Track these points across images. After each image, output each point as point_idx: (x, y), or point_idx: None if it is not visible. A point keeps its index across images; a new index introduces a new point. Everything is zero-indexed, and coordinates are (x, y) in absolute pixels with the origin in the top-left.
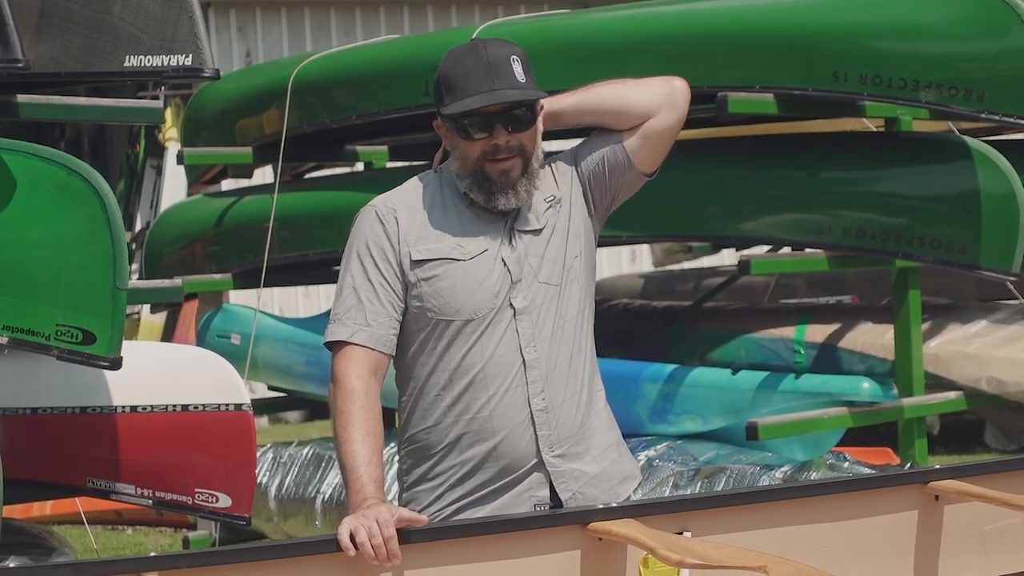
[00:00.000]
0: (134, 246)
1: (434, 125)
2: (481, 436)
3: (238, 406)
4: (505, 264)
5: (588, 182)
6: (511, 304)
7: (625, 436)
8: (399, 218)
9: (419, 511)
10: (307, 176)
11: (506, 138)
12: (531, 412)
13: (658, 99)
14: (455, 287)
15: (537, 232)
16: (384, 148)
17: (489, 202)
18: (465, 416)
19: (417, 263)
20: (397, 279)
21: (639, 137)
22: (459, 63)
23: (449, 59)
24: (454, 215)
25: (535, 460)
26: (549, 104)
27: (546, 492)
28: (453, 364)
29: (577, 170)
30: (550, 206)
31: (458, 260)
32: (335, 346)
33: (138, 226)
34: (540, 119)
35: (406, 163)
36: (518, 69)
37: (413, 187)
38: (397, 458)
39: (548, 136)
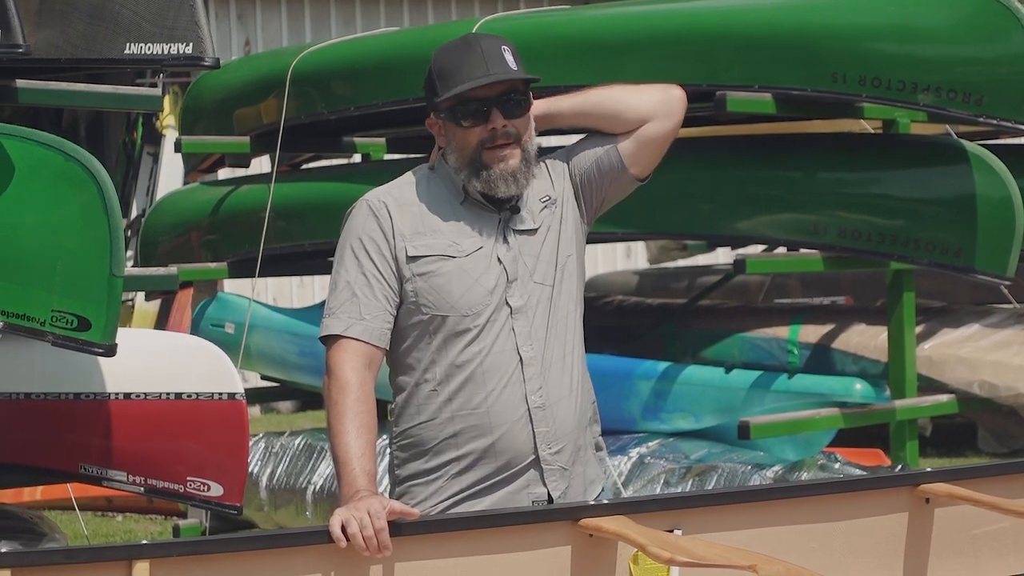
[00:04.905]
0: (129, 233)
1: (427, 124)
2: (480, 431)
3: (231, 395)
4: (501, 262)
5: (580, 183)
6: (507, 303)
7: (617, 433)
8: (392, 212)
9: (414, 505)
10: (304, 167)
11: (503, 123)
12: (528, 409)
13: (654, 105)
14: (451, 283)
15: (532, 232)
16: (382, 140)
17: (489, 190)
18: (463, 411)
19: (413, 259)
20: (392, 273)
21: (633, 142)
22: (451, 55)
23: (440, 53)
24: (449, 212)
25: (532, 457)
26: (547, 105)
27: (543, 489)
28: (449, 359)
29: (570, 170)
30: (545, 206)
31: (454, 257)
32: (330, 340)
33: (134, 213)
34: (531, 110)
35: (403, 155)
36: (510, 58)
37: (407, 182)
38: (389, 452)
39: (544, 134)
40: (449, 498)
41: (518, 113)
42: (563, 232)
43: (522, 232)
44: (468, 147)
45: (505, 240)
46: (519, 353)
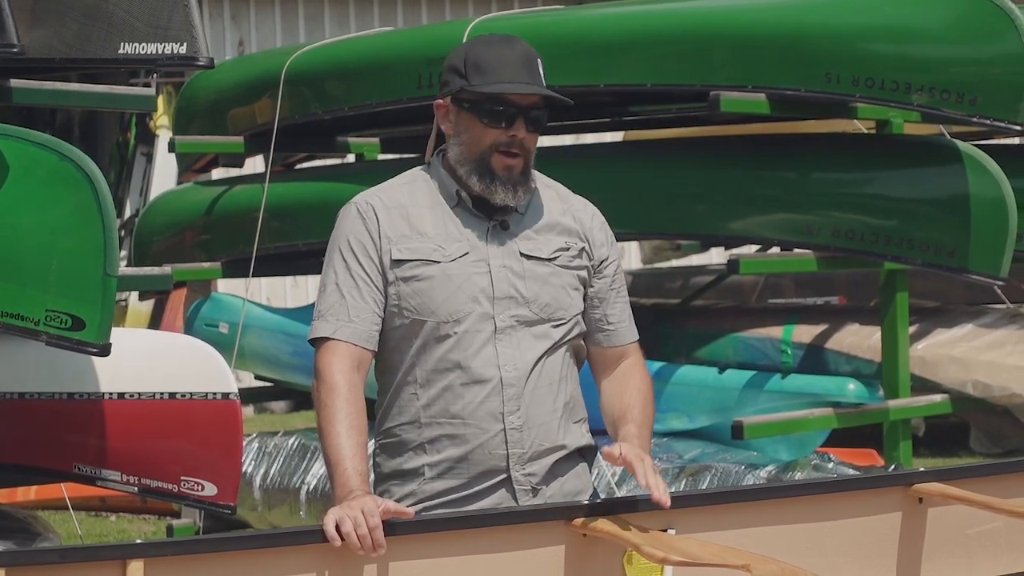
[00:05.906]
0: (123, 233)
1: (435, 105)
2: (454, 441)
3: (225, 395)
4: (490, 272)
5: (591, 276)
6: (492, 318)
7: None
8: (379, 215)
9: None
10: (298, 167)
11: (524, 134)
12: (505, 428)
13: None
14: (433, 289)
15: (543, 262)
16: (375, 140)
17: (488, 193)
18: (440, 418)
19: (397, 262)
20: (379, 275)
21: (586, 349)
22: (493, 48)
23: (481, 43)
24: (439, 215)
25: (504, 476)
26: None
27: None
28: (429, 365)
29: (597, 259)
30: (568, 248)
31: (438, 262)
32: (318, 343)
33: (127, 213)
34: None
35: (397, 155)
36: (542, 73)
37: (398, 184)
38: (373, 450)
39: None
40: (422, 501)
41: (538, 128)
42: (578, 280)
43: (532, 258)
44: (479, 145)
45: (504, 252)
46: (500, 371)
